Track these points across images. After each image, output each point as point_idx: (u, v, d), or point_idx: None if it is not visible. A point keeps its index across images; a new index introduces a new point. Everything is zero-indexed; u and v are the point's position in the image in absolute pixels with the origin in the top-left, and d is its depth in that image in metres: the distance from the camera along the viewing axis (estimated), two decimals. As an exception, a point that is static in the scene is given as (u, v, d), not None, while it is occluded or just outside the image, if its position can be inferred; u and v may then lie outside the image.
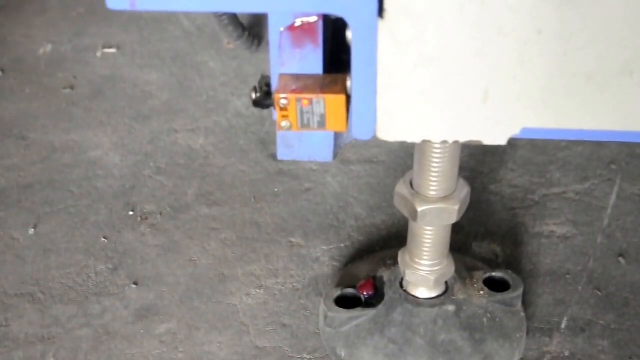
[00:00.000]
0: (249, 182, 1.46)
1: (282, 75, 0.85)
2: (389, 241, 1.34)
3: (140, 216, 1.41)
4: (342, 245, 1.34)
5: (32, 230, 1.40)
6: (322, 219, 1.39)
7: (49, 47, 1.80)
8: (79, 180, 1.49)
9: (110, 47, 1.80)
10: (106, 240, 1.37)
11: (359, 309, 1.13)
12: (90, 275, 1.32)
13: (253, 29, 1.70)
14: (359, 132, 0.84)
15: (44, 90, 1.69)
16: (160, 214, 1.41)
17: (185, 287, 1.29)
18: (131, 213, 1.42)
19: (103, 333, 1.23)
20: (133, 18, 1.87)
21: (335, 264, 1.31)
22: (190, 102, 1.64)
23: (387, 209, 1.39)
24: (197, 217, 1.40)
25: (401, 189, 1.03)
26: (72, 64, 1.75)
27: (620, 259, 1.31)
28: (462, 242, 1.33)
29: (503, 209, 1.40)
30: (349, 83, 0.82)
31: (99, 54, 1.78)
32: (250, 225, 1.38)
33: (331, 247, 1.34)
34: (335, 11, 0.78)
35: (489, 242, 1.34)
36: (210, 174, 1.49)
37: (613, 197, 1.41)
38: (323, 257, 1.32)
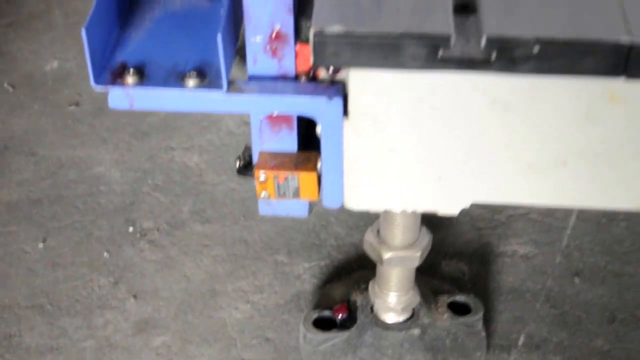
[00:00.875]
0: (239, 200, 1.53)
1: (261, 153, 0.93)
2: (365, 260, 1.41)
3: (140, 232, 1.49)
4: (322, 263, 1.42)
5: (42, 244, 1.47)
6: (304, 237, 1.46)
7: (55, 64, 1.85)
8: (84, 195, 1.56)
9: (112, 64, 1.86)
10: (108, 255, 1.45)
11: (334, 330, 1.22)
12: (94, 288, 1.40)
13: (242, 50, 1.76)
14: (328, 201, 0.94)
15: (51, 106, 1.76)
16: (158, 230, 1.49)
17: (179, 301, 1.37)
18: (131, 229, 1.49)
19: (105, 344, 1.32)
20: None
21: (315, 281, 1.39)
22: (186, 120, 1.71)
23: (364, 228, 1.45)
24: (191, 234, 1.48)
25: (369, 237, 1.12)
26: (77, 81, 1.81)
27: (576, 278, 1.38)
28: (432, 260, 1.41)
29: (471, 229, 1.47)
30: (319, 164, 0.90)
31: (102, 71, 1.84)
32: (239, 243, 1.46)
33: (312, 264, 1.42)
34: (308, 114, 0.87)
35: (457, 261, 1.42)
36: (204, 192, 1.56)
37: (573, 218, 1.48)
38: (304, 275, 1.40)
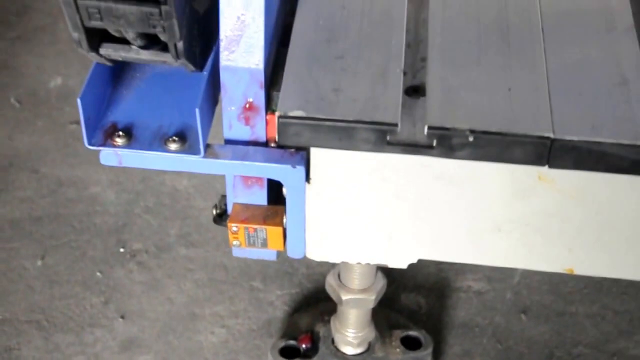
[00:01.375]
0: (222, 226, 1.62)
1: (235, 204, 1.02)
2: (333, 290, 1.51)
3: (129, 253, 1.58)
4: (293, 291, 1.51)
5: (40, 261, 1.56)
6: (279, 265, 1.55)
7: (59, 80, 1.92)
8: (81, 215, 1.65)
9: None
10: (100, 275, 1.54)
11: (298, 359, 1.31)
12: (86, 307, 1.49)
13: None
14: (292, 252, 1.03)
15: (53, 124, 1.83)
16: (146, 252, 1.58)
17: (162, 323, 1.46)
18: (122, 250, 1.58)
19: (94, 360, 1.41)
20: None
21: (286, 308, 1.48)
22: (178, 148, 1.79)
23: (334, 260, 1.56)
24: (176, 257, 1.57)
25: (331, 279, 1.21)
26: (79, 103, 1.89)
27: (522, 315, 1.47)
28: (393, 292, 1.50)
29: (432, 264, 1.56)
30: (285, 219, 0.99)
31: (102, 96, 1.92)
32: (219, 268, 1.55)
33: (284, 292, 1.50)
34: (275, 177, 0.96)
35: (416, 294, 1.50)
36: (190, 216, 1.64)
37: (524, 258, 1.57)
38: (276, 302, 1.49)
